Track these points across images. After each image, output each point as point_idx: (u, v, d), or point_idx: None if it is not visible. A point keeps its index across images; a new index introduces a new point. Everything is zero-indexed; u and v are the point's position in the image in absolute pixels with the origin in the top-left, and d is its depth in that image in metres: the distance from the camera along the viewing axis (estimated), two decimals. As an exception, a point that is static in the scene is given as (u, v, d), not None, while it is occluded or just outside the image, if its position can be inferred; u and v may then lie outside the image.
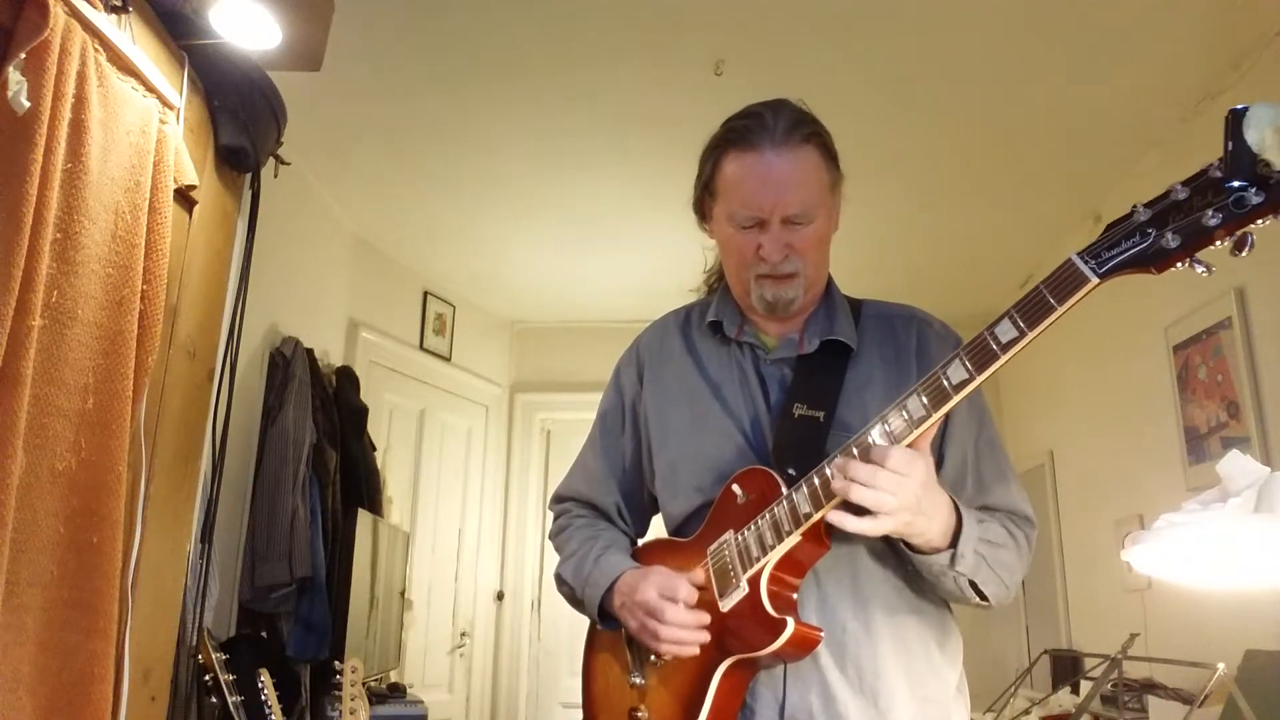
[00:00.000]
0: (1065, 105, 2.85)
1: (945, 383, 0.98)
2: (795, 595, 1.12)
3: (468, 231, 3.97)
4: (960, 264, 4.08)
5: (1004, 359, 0.96)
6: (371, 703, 2.77)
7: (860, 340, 1.26)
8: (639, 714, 1.20)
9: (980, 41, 2.58)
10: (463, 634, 4.48)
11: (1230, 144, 0.82)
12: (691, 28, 2.55)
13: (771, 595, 1.10)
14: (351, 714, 2.19)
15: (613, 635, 1.29)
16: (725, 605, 1.12)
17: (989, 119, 2.96)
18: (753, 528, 1.11)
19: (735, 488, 1.16)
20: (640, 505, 1.41)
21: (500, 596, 4.74)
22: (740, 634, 1.10)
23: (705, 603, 1.15)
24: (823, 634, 1.10)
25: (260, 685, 2.04)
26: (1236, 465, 1.32)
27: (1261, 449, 2.46)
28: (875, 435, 1.02)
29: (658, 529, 1.37)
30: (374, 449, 3.62)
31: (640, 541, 1.39)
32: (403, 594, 3.77)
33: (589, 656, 1.34)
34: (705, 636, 1.12)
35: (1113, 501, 3.36)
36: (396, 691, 3.30)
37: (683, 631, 1.12)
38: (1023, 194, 3.39)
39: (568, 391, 4.81)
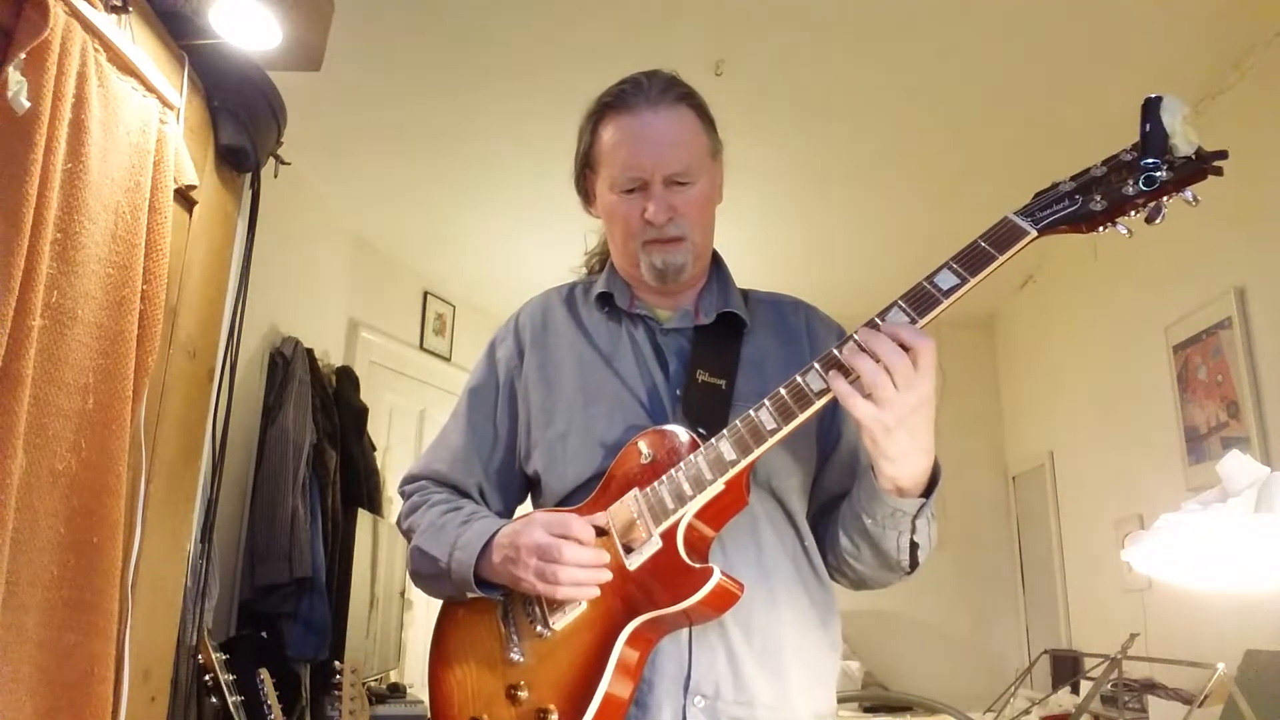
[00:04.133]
0: (1066, 105, 2.85)
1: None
2: (709, 552, 1.08)
3: (468, 231, 3.97)
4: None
5: (945, 304, 0.97)
6: (371, 703, 2.77)
7: (751, 319, 1.27)
8: (519, 693, 1.09)
9: (981, 42, 2.58)
10: (463, 634, 4.48)
11: (1147, 126, 0.95)
12: (691, 28, 2.55)
13: (687, 548, 1.04)
14: (351, 714, 2.18)
15: (478, 612, 1.18)
16: (633, 562, 1.05)
17: (988, 119, 2.96)
18: (665, 481, 1.06)
19: (641, 445, 1.11)
20: (507, 488, 1.31)
21: (500, 596, 4.74)
22: (653, 590, 1.03)
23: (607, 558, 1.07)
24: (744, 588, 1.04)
25: (260, 685, 2.04)
26: (1236, 465, 1.32)
27: (1261, 449, 2.46)
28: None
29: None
30: (374, 449, 3.62)
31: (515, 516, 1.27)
32: (403, 594, 3.77)
33: (441, 645, 1.21)
34: (607, 575, 1.05)
35: (1113, 501, 3.37)
36: (396, 691, 3.30)
37: (583, 572, 1.03)
38: (1022, 194, 3.38)
39: (568, 391, 4.81)
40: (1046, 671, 3.61)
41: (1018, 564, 4.46)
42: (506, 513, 1.30)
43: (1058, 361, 3.99)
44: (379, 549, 3.37)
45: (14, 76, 1.20)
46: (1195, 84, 2.69)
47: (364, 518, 3.20)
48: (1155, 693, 2.55)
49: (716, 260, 1.32)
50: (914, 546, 1.08)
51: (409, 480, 1.34)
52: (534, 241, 4.05)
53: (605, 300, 1.28)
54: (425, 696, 3.61)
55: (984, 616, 4.46)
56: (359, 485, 3.36)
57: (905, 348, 0.95)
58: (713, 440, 1.05)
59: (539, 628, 1.11)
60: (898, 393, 0.95)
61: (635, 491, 1.08)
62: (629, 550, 1.06)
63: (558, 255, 4.14)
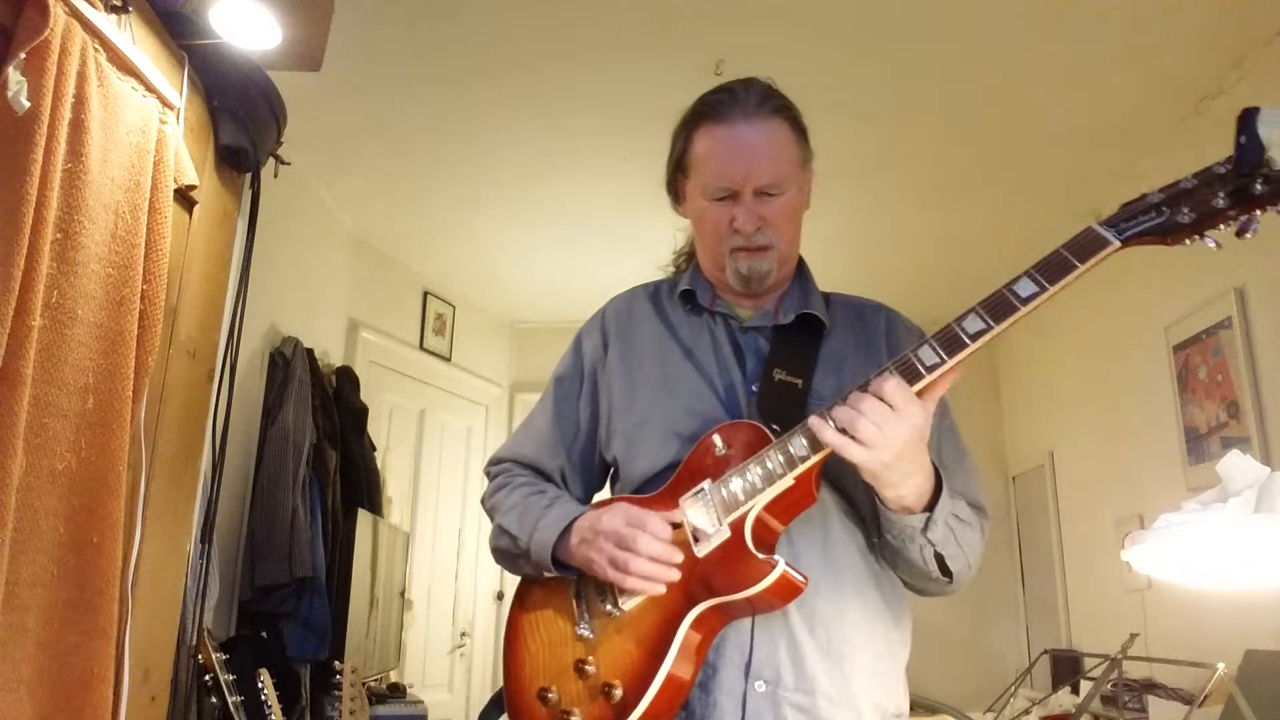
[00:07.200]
0: (1066, 105, 2.85)
1: (960, 333, 1.00)
2: (775, 544, 1.10)
3: (468, 231, 3.97)
4: (958, 264, 4.08)
5: (1024, 310, 0.98)
6: (371, 703, 2.77)
7: (832, 322, 1.28)
8: (586, 667, 1.12)
9: (981, 42, 2.58)
10: (463, 634, 4.48)
11: (1243, 138, 0.91)
12: (691, 28, 2.55)
13: (755, 540, 1.07)
14: (351, 714, 2.19)
15: (552, 590, 1.22)
16: (702, 550, 1.08)
17: (989, 119, 2.96)
18: (737, 473, 1.09)
19: (716, 439, 1.13)
20: (588, 474, 1.36)
21: (500, 596, 4.74)
22: (718, 578, 1.06)
23: (678, 547, 1.10)
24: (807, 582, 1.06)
25: (260, 685, 2.04)
26: (1236, 465, 1.32)
27: (1261, 449, 2.46)
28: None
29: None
30: (374, 449, 3.62)
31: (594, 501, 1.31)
32: (403, 594, 3.77)
33: (517, 618, 1.25)
34: (676, 575, 1.07)
35: (1113, 501, 3.37)
36: (396, 691, 3.30)
37: (654, 566, 1.06)
38: (1023, 194, 3.39)
39: (568, 391, 4.81)
40: (1046, 671, 3.61)
41: (1018, 564, 4.46)
42: (586, 498, 1.35)
43: (1058, 361, 3.99)
44: (379, 549, 3.37)
45: (14, 76, 1.20)
46: (1195, 85, 2.69)
47: (364, 518, 3.20)
48: (1155, 693, 2.55)
49: (800, 266, 1.35)
50: (940, 556, 1.10)
51: (495, 462, 1.41)
52: (534, 241, 4.05)
53: (688, 298, 1.32)
54: (425, 697, 3.60)
55: (984, 616, 4.45)
56: (359, 485, 3.37)
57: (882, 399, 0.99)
58: (785, 436, 1.07)
59: (609, 607, 1.14)
60: (880, 430, 0.97)
61: (708, 482, 1.11)
62: (698, 538, 1.09)
63: (558, 255, 4.17)
